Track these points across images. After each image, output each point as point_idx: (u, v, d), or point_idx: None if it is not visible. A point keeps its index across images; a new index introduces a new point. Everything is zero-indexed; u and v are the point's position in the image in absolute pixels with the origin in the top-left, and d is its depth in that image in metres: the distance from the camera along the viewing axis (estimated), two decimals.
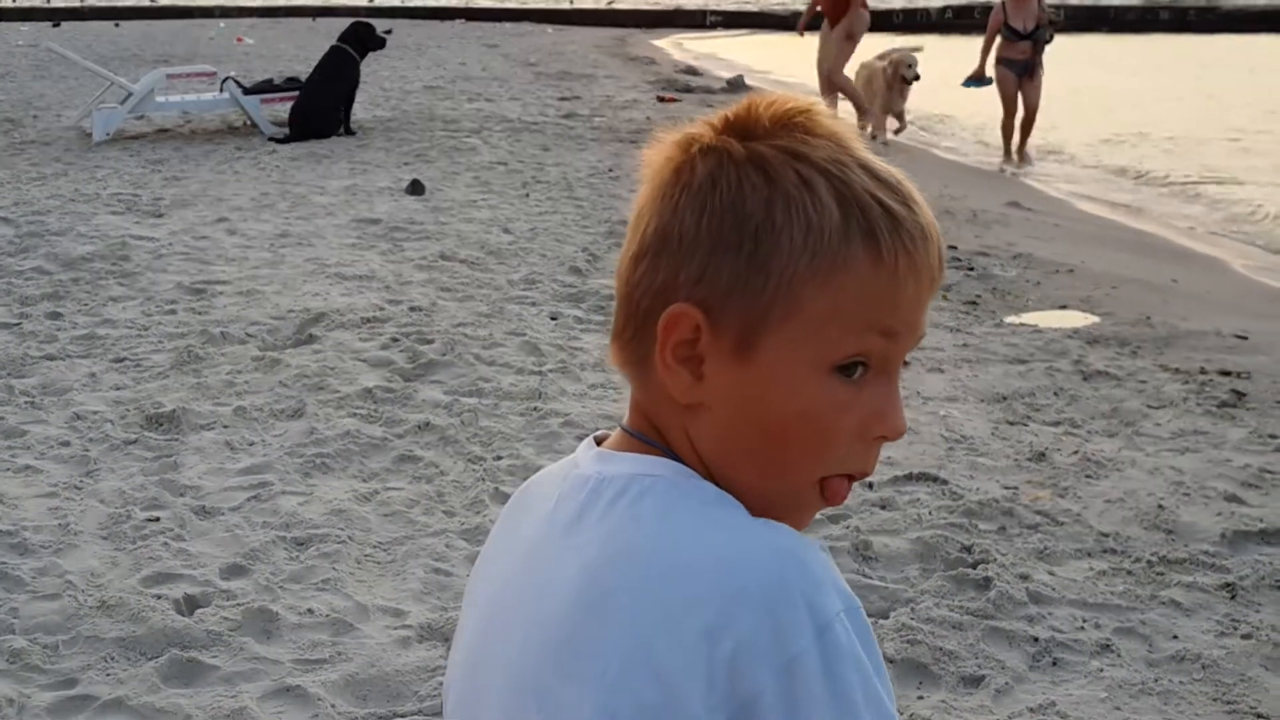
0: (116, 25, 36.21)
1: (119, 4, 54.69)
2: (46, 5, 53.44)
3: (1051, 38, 11.84)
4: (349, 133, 11.31)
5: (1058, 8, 12.56)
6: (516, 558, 0.98)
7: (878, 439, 0.93)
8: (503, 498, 3.57)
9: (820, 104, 0.94)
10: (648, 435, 0.95)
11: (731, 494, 0.93)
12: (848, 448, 0.93)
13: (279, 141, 10.82)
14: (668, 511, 0.89)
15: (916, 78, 12.45)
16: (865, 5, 12.62)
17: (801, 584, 0.84)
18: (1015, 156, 12.00)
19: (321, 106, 11.13)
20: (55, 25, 36.25)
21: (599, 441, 1.01)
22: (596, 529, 0.91)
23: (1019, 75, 11.73)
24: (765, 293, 0.88)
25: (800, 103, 0.93)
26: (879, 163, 0.92)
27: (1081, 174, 11.67)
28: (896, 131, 12.94)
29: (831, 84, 12.62)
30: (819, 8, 12.88)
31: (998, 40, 11.90)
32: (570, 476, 0.97)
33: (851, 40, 12.54)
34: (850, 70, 12.76)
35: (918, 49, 13.25)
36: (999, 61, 11.87)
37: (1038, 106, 11.87)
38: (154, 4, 56.68)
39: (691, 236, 0.89)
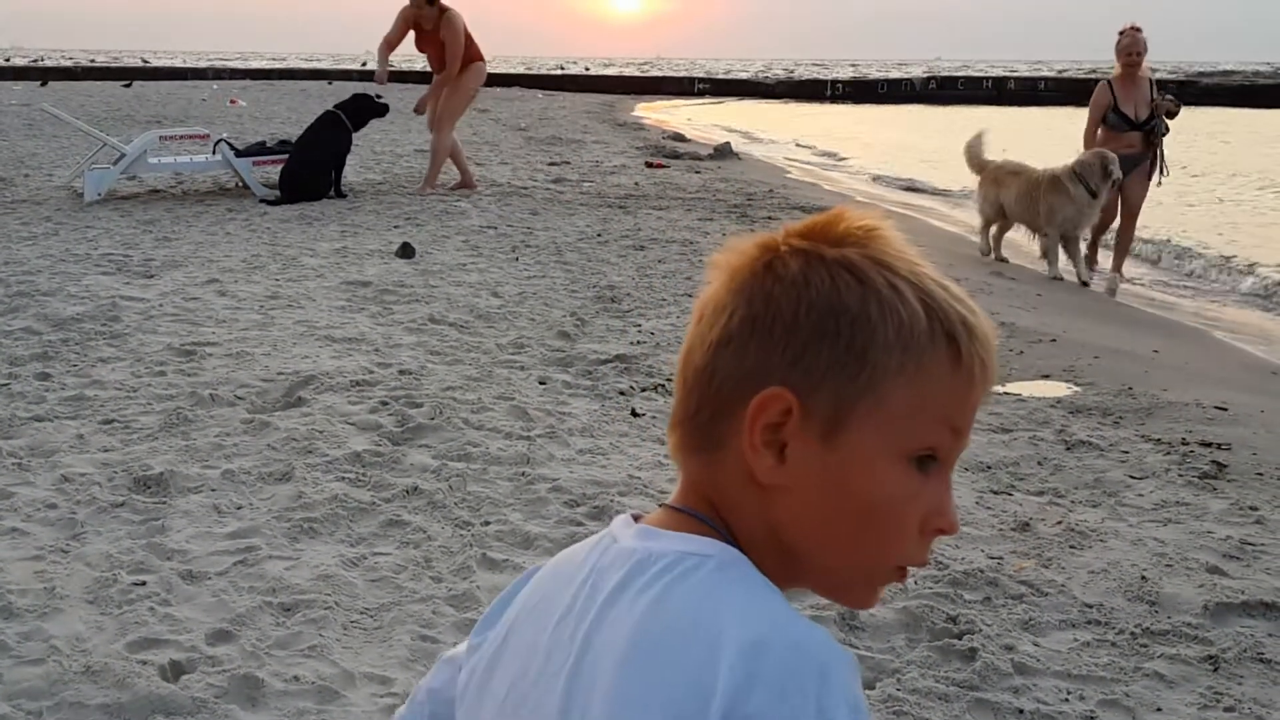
0: (127, 85, 36.62)
1: (112, 65, 55.20)
2: (37, 65, 53.91)
3: (1166, 130, 9.54)
4: (340, 195, 11.40)
5: (1165, 87, 9.91)
6: (549, 625, 1.00)
7: (935, 532, 0.98)
8: (490, 563, 3.58)
9: (891, 223, 0.99)
10: (703, 513, 0.98)
11: (805, 571, 0.98)
12: (914, 539, 0.97)
13: (271, 203, 10.91)
14: (712, 591, 0.92)
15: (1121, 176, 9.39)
16: (482, 58, 11.80)
17: (816, 689, 0.86)
18: (1113, 271, 9.67)
19: (312, 167, 11.23)
20: (42, 84, 36.61)
21: (635, 519, 1.03)
22: (640, 600, 0.93)
23: (1124, 173, 9.37)
24: (858, 381, 0.93)
25: (875, 220, 0.98)
26: (946, 277, 0.99)
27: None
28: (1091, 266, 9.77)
29: (440, 139, 11.75)
30: (431, 65, 11.72)
31: (1100, 128, 9.65)
32: (610, 550, 0.99)
33: (464, 94, 11.73)
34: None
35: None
36: None
37: (1139, 210, 9.70)
38: (146, 64, 57.21)
39: (788, 323, 0.93)
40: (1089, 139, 9.67)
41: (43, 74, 43.44)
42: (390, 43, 11.57)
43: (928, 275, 0.97)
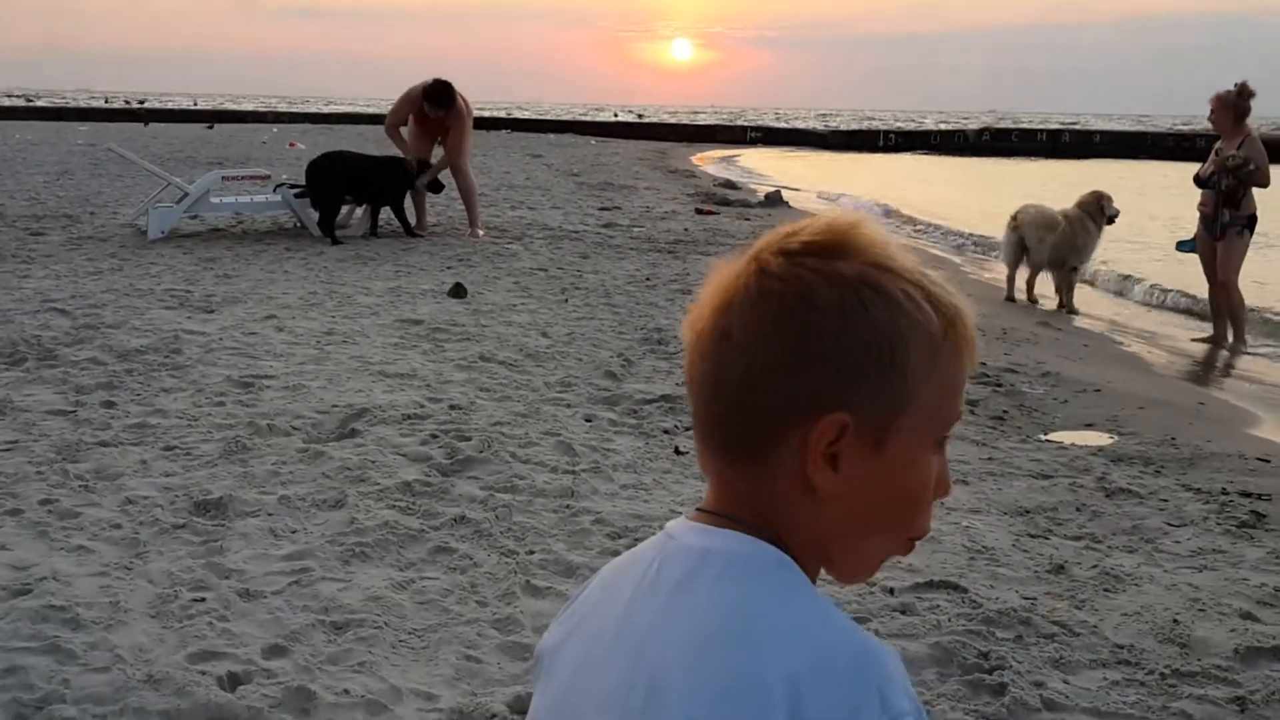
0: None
1: (175, 108, 56.72)
2: (106, 105, 55.45)
3: (1228, 188, 9.11)
4: (412, 234, 11.72)
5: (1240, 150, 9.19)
6: (615, 614, 1.09)
7: (937, 499, 1.10)
8: (534, 590, 3.70)
9: (871, 219, 1.08)
10: (744, 519, 1.07)
11: (836, 562, 1.08)
12: (927, 512, 1.09)
13: (334, 243, 11.13)
14: (770, 594, 1.02)
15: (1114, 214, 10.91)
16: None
17: (879, 679, 0.97)
18: (1230, 338, 9.54)
19: (339, 173, 11.48)
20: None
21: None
22: (706, 595, 1.03)
23: (1211, 236, 9.32)
24: (901, 393, 1.03)
25: (853, 217, 1.08)
26: (924, 265, 1.08)
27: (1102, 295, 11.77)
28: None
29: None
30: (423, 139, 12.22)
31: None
32: (668, 546, 1.09)
33: (468, 134, 12.43)
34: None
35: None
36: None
37: (1228, 281, 9.34)
38: (195, 108, 58.77)
39: (830, 350, 1.02)
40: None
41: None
42: (396, 126, 12.22)
43: (920, 270, 1.06)
